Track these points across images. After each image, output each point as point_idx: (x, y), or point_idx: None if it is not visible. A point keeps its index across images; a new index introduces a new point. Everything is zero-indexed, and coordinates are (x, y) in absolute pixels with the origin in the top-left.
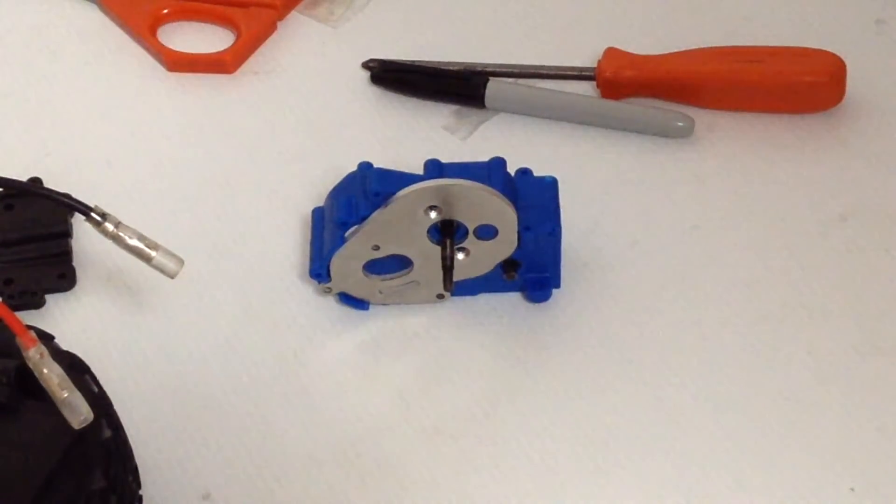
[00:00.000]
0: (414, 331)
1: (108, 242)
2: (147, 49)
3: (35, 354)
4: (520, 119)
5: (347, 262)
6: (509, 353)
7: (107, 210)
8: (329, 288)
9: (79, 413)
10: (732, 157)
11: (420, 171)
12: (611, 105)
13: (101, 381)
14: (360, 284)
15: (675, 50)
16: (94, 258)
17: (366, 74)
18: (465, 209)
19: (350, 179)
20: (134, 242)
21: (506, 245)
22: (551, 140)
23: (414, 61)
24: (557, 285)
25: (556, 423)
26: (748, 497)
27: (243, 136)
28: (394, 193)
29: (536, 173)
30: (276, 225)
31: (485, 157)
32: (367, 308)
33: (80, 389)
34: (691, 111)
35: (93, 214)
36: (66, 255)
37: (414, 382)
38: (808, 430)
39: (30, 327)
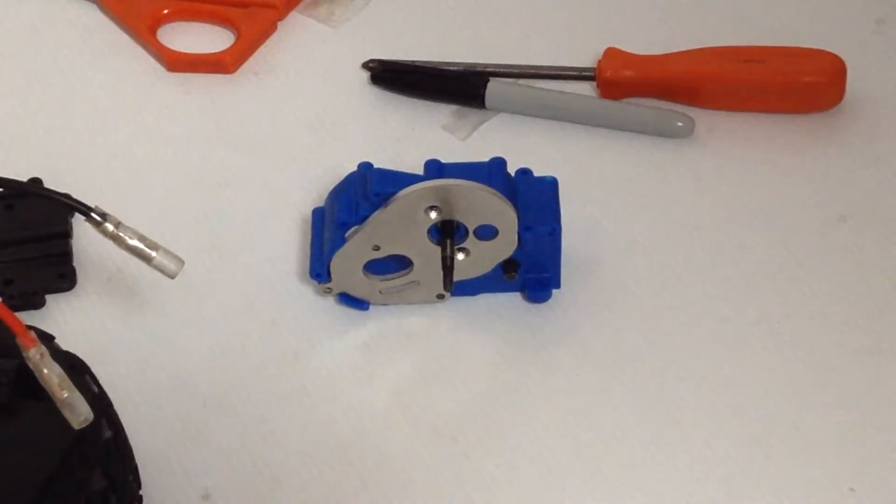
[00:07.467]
0: (414, 331)
1: (108, 242)
2: (147, 49)
3: (35, 354)
4: (520, 119)
5: (348, 262)
6: (509, 353)
7: (107, 210)
8: (329, 288)
9: (79, 413)
10: (732, 157)
11: (420, 171)
12: (611, 105)
13: (101, 381)
14: (360, 284)
15: (675, 50)
16: (94, 258)
17: (366, 74)
18: (465, 209)
19: (350, 179)
20: (134, 243)
21: (506, 245)
22: (551, 140)
23: (414, 61)
24: (557, 285)
25: (556, 423)
26: (748, 497)
27: (243, 136)
28: (394, 193)
29: (536, 173)
30: (276, 225)
31: (485, 157)
32: (367, 308)
33: (80, 389)
34: (691, 111)
35: (93, 214)
36: (66, 255)
37: (414, 382)
38: (808, 430)
39: (30, 327)
